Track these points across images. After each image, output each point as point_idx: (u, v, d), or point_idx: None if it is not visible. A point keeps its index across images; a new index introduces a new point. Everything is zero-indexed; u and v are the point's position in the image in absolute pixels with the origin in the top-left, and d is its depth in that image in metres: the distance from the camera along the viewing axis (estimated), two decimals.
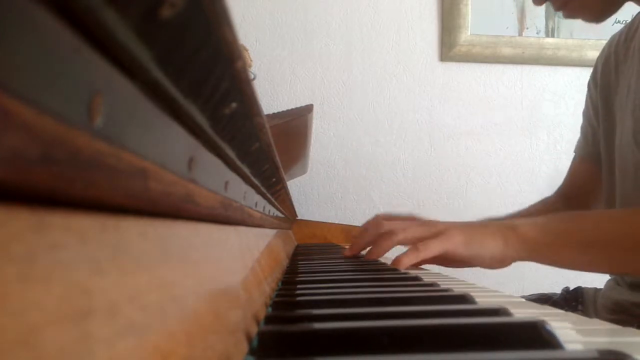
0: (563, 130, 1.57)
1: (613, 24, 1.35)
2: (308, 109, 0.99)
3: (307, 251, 0.96)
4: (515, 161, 1.57)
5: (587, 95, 0.94)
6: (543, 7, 1.58)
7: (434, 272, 0.68)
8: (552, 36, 1.58)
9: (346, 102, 1.54)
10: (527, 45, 1.56)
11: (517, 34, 1.57)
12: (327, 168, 1.53)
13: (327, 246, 1.15)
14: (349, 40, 1.54)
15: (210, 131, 0.21)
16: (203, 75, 0.17)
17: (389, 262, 0.72)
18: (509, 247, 0.66)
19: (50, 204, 0.11)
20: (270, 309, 0.33)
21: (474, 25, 1.54)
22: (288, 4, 1.51)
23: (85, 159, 0.11)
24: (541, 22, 1.58)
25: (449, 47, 1.54)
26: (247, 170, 0.33)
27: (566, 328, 0.30)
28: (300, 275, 0.53)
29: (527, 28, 1.57)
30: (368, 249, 0.73)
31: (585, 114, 0.95)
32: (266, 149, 0.34)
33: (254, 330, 0.26)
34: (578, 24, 1.56)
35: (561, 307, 0.72)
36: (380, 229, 0.71)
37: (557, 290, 0.98)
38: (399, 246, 0.70)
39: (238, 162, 0.29)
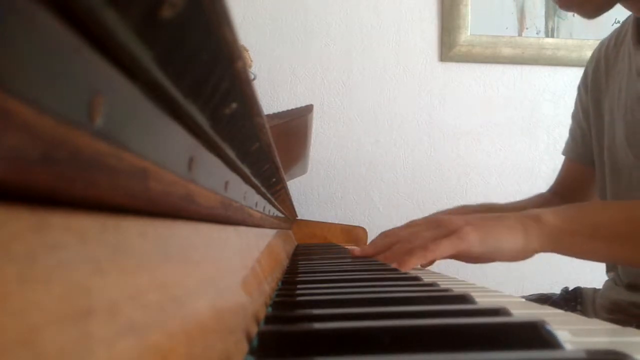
0: (563, 130, 1.56)
1: (613, 24, 1.35)
2: (308, 109, 0.99)
3: (307, 251, 0.96)
4: (515, 161, 1.57)
5: (576, 99, 0.96)
6: (543, 7, 1.58)
7: (434, 272, 0.68)
8: (552, 36, 1.58)
9: (346, 102, 1.54)
10: (526, 46, 1.56)
11: (516, 34, 1.57)
12: (327, 168, 1.53)
13: (327, 246, 1.15)
14: (349, 40, 1.54)
15: (210, 131, 0.21)
16: (203, 75, 0.17)
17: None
18: (531, 238, 0.63)
19: (50, 204, 0.11)
20: (270, 309, 0.33)
21: (474, 26, 1.55)
22: (288, 4, 1.51)
23: (86, 159, 0.11)
24: (541, 23, 1.58)
25: (449, 48, 1.54)
26: (247, 170, 0.33)
27: (566, 328, 0.30)
28: (300, 275, 0.53)
29: (527, 28, 1.57)
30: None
31: (575, 116, 0.97)
32: (266, 149, 0.34)
33: (254, 330, 0.26)
34: (578, 24, 1.57)
35: (560, 307, 0.72)
36: (393, 238, 0.68)
37: (557, 290, 0.98)
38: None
39: (238, 162, 0.29)
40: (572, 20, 1.56)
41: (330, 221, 1.40)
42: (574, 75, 1.57)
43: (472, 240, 0.63)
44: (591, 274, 1.18)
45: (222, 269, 0.26)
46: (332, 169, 1.53)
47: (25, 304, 0.09)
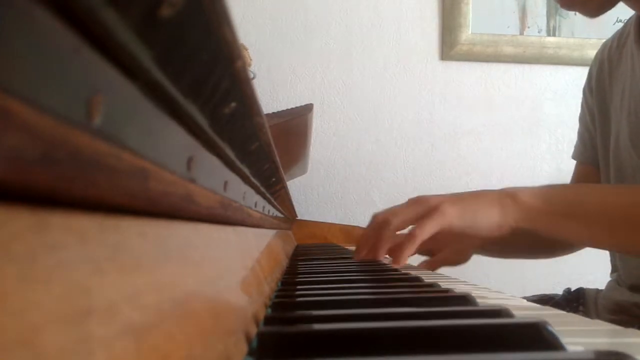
0: (565, 129, 1.57)
1: (614, 23, 1.35)
2: (308, 108, 0.99)
3: (306, 251, 0.96)
4: (517, 160, 1.57)
5: (582, 101, 0.96)
6: (544, 6, 1.58)
7: (434, 272, 0.68)
8: (554, 35, 1.58)
9: (346, 101, 1.54)
10: (528, 44, 1.56)
11: (518, 33, 1.57)
12: (327, 168, 1.53)
13: (327, 246, 1.15)
14: (349, 40, 1.53)
15: (209, 131, 0.21)
16: (203, 75, 0.17)
17: (389, 259, 0.73)
18: (507, 214, 0.65)
19: (50, 204, 0.11)
20: (269, 310, 0.33)
21: (475, 24, 1.54)
22: (288, 2, 1.51)
23: (85, 158, 0.11)
24: (542, 21, 1.58)
25: (450, 46, 1.54)
26: (246, 170, 0.33)
27: (568, 329, 0.30)
28: (299, 275, 0.53)
29: (529, 27, 1.57)
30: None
31: (582, 119, 0.96)
32: (266, 148, 0.34)
33: (253, 331, 0.26)
34: (579, 23, 1.57)
35: (562, 308, 0.72)
36: (375, 224, 0.72)
37: (559, 291, 0.98)
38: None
39: (238, 162, 0.29)
40: (574, 19, 1.56)
41: (330, 221, 1.40)
42: (576, 74, 1.57)
43: (452, 214, 0.65)
44: (594, 275, 1.18)
45: (221, 269, 0.26)
46: (332, 168, 1.53)
47: (25, 303, 0.09)
